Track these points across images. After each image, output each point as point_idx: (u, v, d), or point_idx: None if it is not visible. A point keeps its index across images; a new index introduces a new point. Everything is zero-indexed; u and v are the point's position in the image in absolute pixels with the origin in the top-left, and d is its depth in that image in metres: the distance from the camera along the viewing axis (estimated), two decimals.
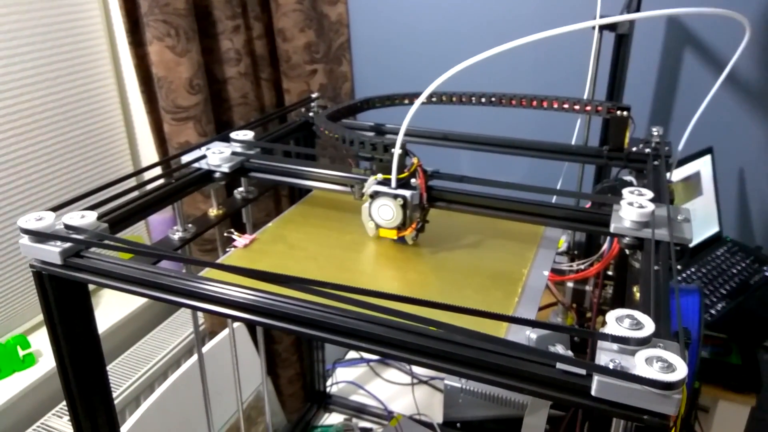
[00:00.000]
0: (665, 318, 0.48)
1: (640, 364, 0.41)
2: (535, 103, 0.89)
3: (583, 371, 0.43)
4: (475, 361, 0.46)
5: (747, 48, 0.77)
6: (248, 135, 0.87)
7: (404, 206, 0.73)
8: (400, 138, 0.71)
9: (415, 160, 0.74)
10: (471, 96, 0.93)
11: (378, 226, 0.76)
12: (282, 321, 0.52)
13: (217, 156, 0.81)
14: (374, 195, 0.74)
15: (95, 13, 1.41)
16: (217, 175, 0.81)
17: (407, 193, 0.72)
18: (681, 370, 0.40)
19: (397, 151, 0.71)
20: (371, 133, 1.01)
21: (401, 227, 0.75)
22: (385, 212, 0.74)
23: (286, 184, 0.84)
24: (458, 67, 0.63)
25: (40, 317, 1.38)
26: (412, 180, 0.73)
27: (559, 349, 0.46)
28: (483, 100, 0.92)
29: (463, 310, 0.47)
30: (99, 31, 1.43)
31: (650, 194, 0.66)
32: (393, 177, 0.72)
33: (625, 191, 0.67)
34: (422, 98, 0.71)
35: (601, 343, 0.44)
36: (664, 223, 0.63)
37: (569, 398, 0.44)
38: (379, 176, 0.74)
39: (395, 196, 0.73)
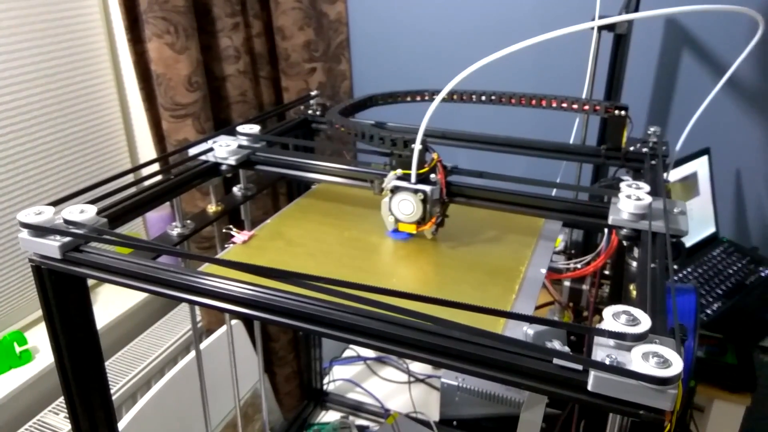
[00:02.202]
0: (661, 314, 0.49)
1: (636, 359, 0.42)
2: (533, 102, 0.90)
3: (579, 366, 0.44)
4: (472, 357, 0.47)
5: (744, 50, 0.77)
6: (254, 128, 0.88)
7: (424, 201, 0.74)
8: (420, 133, 0.71)
9: (434, 156, 0.75)
10: (471, 94, 0.94)
11: (398, 221, 0.77)
12: (280, 316, 0.52)
13: (224, 149, 0.82)
14: (394, 190, 0.75)
15: (94, 9, 1.41)
16: (224, 167, 0.82)
17: (427, 188, 0.73)
18: (677, 366, 0.41)
19: (417, 147, 0.72)
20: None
21: (421, 222, 0.76)
22: (405, 207, 0.75)
23: (294, 178, 0.85)
24: (477, 65, 0.63)
25: (37, 314, 1.38)
26: (432, 175, 0.74)
27: (556, 345, 0.46)
28: (482, 98, 0.93)
29: (461, 306, 0.48)
30: (98, 28, 1.43)
31: (647, 188, 0.67)
32: (413, 172, 0.73)
33: (623, 185, 0.68)
34: (442, 95, 0.71)
35: (597, 339, 0.44)
36: (660, 216, 0.64)
37: (566, 393, 0.44)
38: (399, 171, 0.74)
39: (416, 191, 0.73)
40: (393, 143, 0.74)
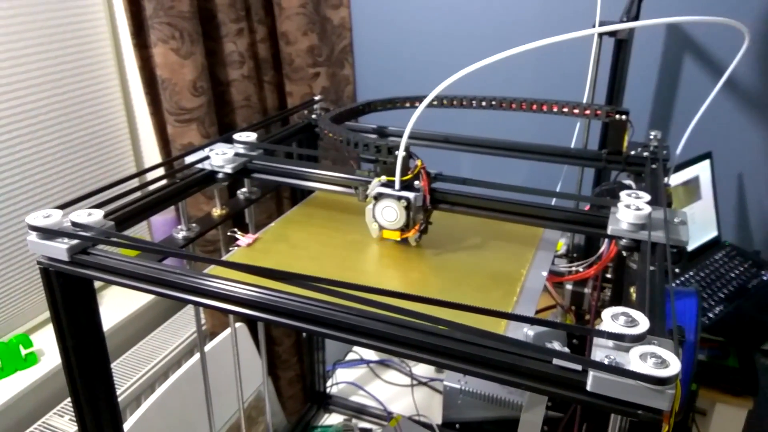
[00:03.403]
0: (660, 316, 0.49)
1: (634, 360, 0.42)
2: (535, 106, 0.90)
3: (578, 367, 0.44)
4: (474, 357, 0.47)
5: (745, 54, 0.78)
6: (251, 136, 0.88)
7: (408, 208, 0.74)
8: (404, 141, 0.72)
9: (418, 163, 0.75)
10: (472, 99, 0.94)
11: (381, 228, 0.77)
12: (284, 317, 0.53)
13: (220, 157, 0.82)
14: (378, 197, 0.75)
15: (100, 15, 1.43)
16: (220, 175, 0.82)
17: (411, 194, 0.73)
18: (674, 366, 0.41)
19: (401, 154, 0.72)
20: (374, 136, 1.02)
21: (405, 229, 0.76)
22: (389, 214, 0.75)
23: (288, 185, 0.85)
24: (462, 72, 0.64)
25: (43, 316, 1.39)
26: (416, 182, 0.74)
27: (556, 346, 0.47)
28: (483, 103, 0.93)
29: (462, 307, 0.48)
30: (104, 33, 1.44)
31: (647, 197, 0.67)
32: (396, 179, 0.73)
33: (623, 194, 0.68)
34: (426, 103, 0.72)
35: (596, 340, 0.45)
36: (660, 225, 0.64)
37: (565, 393, 0.45)
38: (383, 178, 0.75)
39: (399, 198, 0.74)
40: (377, 150, 0.74)
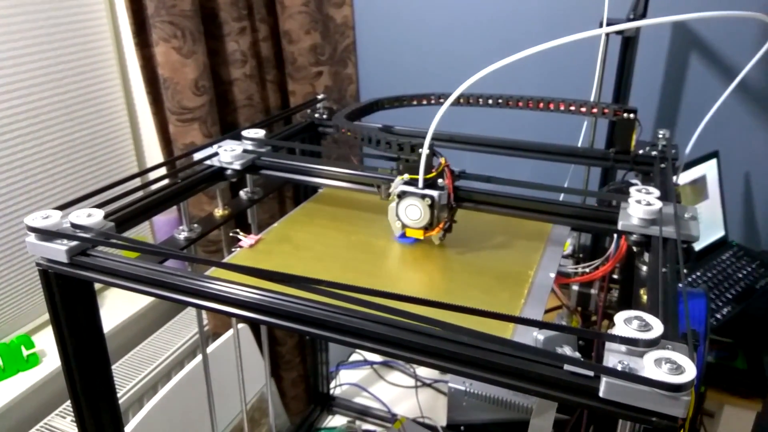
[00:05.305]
0: (673, 320, 0.48)
1: (648, 365, 0.41)
2: (541, 105, 0.89)
3: (591, 373, 0.43)
4: (481, 362, 0.46)
5: (753, 53, 0.76)
6: (259, 133, 0.88)
7: (432, 206, 0.73)
8: (428, 138, 0.71)
9: (442, 161, 0.74)
10: (478, 97, 0.93)
11: (405, 226, 0.76)
12: (287, 320, 0.52)
13: (228, 153, 0.81)
14: (401, 195, 0.74)
15: (102, 14, 1.42)
16: (229, 172, 0.82)
17: (435, 193, 0.72)
18: (690, 372, 0.40)
19: (425, 152, 0.71)
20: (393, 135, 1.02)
21: (428, 227, 0.75)
22: (413, 212, 0.74)
23: (300, 183, 0.85)
24: (484, 71, 0.63)
25: (45, 317, 1.39)
26: (439, 180, 0.74)
27: (567, 350, 0.46)
28: (490, 101, 0.92)
29: (469, 311, 0.47)
30: (105, 32, 1.43)
31: (657, 192, 0.66)
32: (420, 177, 0.73)
33: (633, 190, 0.67)
34: (450, 101, 0.70)
35: (609, 345, 0.44)
36: (671, 221, 0.63)
37: (577, 400, 0.43)
38: (406, 176, 0.74)
39: (423, 196, 0.73)
40: (400, 148, 0.74)
